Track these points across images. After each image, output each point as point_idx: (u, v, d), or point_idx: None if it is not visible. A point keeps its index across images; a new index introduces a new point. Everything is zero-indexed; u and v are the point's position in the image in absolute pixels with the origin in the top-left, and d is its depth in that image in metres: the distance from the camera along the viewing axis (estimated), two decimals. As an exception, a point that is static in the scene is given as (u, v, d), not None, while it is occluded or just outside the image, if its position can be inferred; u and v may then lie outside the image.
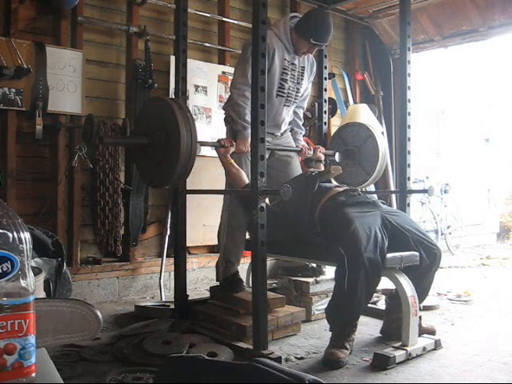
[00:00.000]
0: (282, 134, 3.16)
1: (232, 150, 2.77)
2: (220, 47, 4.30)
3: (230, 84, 3.14)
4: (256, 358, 1.18)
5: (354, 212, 2.50)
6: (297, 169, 3.21)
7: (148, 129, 2.51)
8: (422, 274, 2.54)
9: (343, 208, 2.54)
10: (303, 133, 3.39)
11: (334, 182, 3.14)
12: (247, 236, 2.96)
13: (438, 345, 2.52)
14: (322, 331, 2.83)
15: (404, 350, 2.34)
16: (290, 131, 3.29)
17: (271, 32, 2.90)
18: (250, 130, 2.62)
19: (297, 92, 3.09)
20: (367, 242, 2.33)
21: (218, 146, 2.77)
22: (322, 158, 3.28)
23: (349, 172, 3.45)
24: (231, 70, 4.03)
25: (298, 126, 3.32)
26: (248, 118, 2.75)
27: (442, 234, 6.68)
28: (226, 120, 3.03)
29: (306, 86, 3.19)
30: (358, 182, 3.43)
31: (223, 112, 3.08)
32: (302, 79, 3.09)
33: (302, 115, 3.37)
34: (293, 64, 3.01)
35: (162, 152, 2.43)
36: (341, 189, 2.78)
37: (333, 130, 4.93)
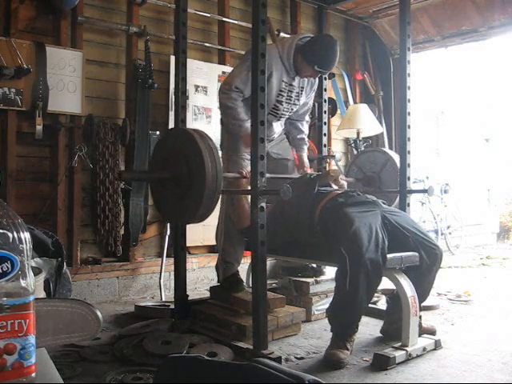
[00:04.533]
0: (275, 138, 3.17)
1: None
2: (220, 47, 4.30)
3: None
4: (256, 358, 1.18)
5: (354, 212, 2.49)
6: (293, 171, 3.21)
7: (167, 162, 2.32)
8: (423, 274, 2.53)
9: (343, 208, 2.54)
10: (306, 146, 3.32)
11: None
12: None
13: (438, 345, 2.52)
14: (321, 331, 2.83)
15: (404, 350, 2.34)
16: (292, 140, 3.29)
17: (275, 50, 2.88)
18: (248, 124, 2.66)
19: (290, 111, 3.09)
20: (368, 242, 2.33)
21: (240, 177, 2.65)
22: (345, 185, 3.09)
23: None
24: (231, 69, 4.03)
25: (302, 140, 3.27)
26: (241, 115, 2.77)
27: (442, 234, 6.69)
28: (221, 121, 3.05)
29: (305, 102, 3.17)
30: None
31: (220, 112, 3.09)
32: (298, 100, 3.07)
33: (305, 128, 3.29)
34: (291, 85, 2.98)
35: (183, 186, 2.24)
36: (339, 191, 2.78)
37: (333, 130, 4.95)
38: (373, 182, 3.39)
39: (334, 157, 3.98)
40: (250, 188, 2.42)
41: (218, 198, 2.21)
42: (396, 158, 3.32)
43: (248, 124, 2.74)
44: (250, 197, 2.47)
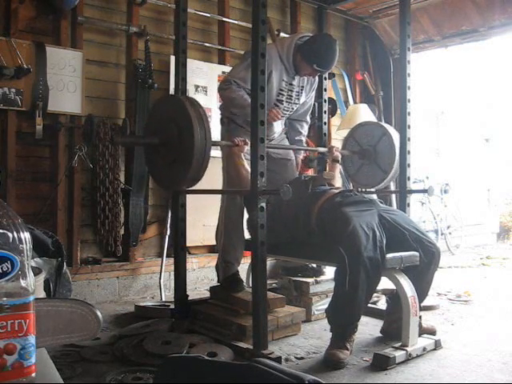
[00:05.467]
0: (276, 138, 3.17)
1: (246, 148, 2.63)
2: (220, 47, 4.30)
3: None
4: (256, 358, 1.18)
5: (351, 211, 2.50)
6: (293, 171, 3.22)
7: (159, 128, 2.43)
8: (421, 273, 2.54)
9: (340, 208, 2.55)
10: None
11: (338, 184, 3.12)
12: (246, 236, 2.96)
13: (438, 345, 2.52)
14: (321, 331, 2.83)
15: (404, 350, 2.34)
16: (289, 141, 3.29)
17: (275, 49, 2.88)
18: None
19: (291, 111, 3.09)
20: (367, 240, 2.33)
21: (232, 145, 2.69)
22: (339, 157, 3.21)
23: (365, 173, 3.40)
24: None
25: (300, 141, 3.30)
26: (249, 100, 2.59)
27: (442, 234, 6.69)
28: (221, 121, 3.04)
29: (305, 101, 3.17)
30: (375, 181, 3.36)
31: (219, 113, 3.09)
32: (298, 99, 3.07)
33: (304, 129, 3.31)
34: (291, 85, 2.98)
35: (174, 151, 2.33)
36: (336, 191, 2.79)
37: (333, 130, 4.94)
38: (368, 154, 3.38)
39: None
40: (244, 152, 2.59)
41: (208, 161, 2.28)
42: (393, 131, 3.31)
43: None
44: (246, 162, 2.60)
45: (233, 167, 2.76)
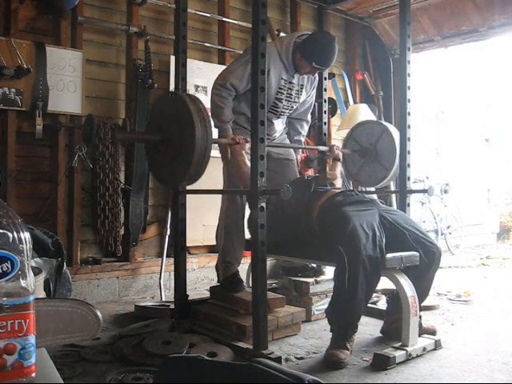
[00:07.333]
0: (277, 137, 3.17)
1: (248, 146, 2.60)
2: (220, 47, 4.30)
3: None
4: (256, 358, 1.18)
5: (351, 210, 2.50)
6: (294, 171, 3.22)
7: (160, 125, 2.44)
8: (421, 273, 2.54)
9: (341, 207, 2.55)
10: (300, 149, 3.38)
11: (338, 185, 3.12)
12: (246, 236, 2.96)
13: (438, 345, 2.52)
14: (321, 331, 2.83)
15: (404, 350, 2.34)
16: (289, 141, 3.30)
17: (274, 48, 2.87)
18: (227, 127, 2.77)
19: (291, 109, 3.09)
20: (366, 239, 2.34)
21: (232, 143, 2.69)
22: (340, 155, 3.22)
23: (367, 171, 3.40)
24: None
25: (299, 142, 3.31)
26: (225, 117, 2.79)
27: (442, 234, 6.69)
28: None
29: (306, 99, 3.17)
30: (377, 179, 3.36)
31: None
32: (298, 97, 3.06)
33: (304, 129, 3.32)
34: (290, 83, 2.97)
35: (175, 147, 2.34)
36: (337, 190, 2.80)
37: (333, 130, 4.94)
38: (369, 153, 3.38)
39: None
40: (243, 151, 2.61)
41: (209, 157, 2.28)
42: (392, 128, 3.32)
43: (227, 126, 2.80)
44: (247, 158, 2.58)
45: (233, 164, 2.76)
